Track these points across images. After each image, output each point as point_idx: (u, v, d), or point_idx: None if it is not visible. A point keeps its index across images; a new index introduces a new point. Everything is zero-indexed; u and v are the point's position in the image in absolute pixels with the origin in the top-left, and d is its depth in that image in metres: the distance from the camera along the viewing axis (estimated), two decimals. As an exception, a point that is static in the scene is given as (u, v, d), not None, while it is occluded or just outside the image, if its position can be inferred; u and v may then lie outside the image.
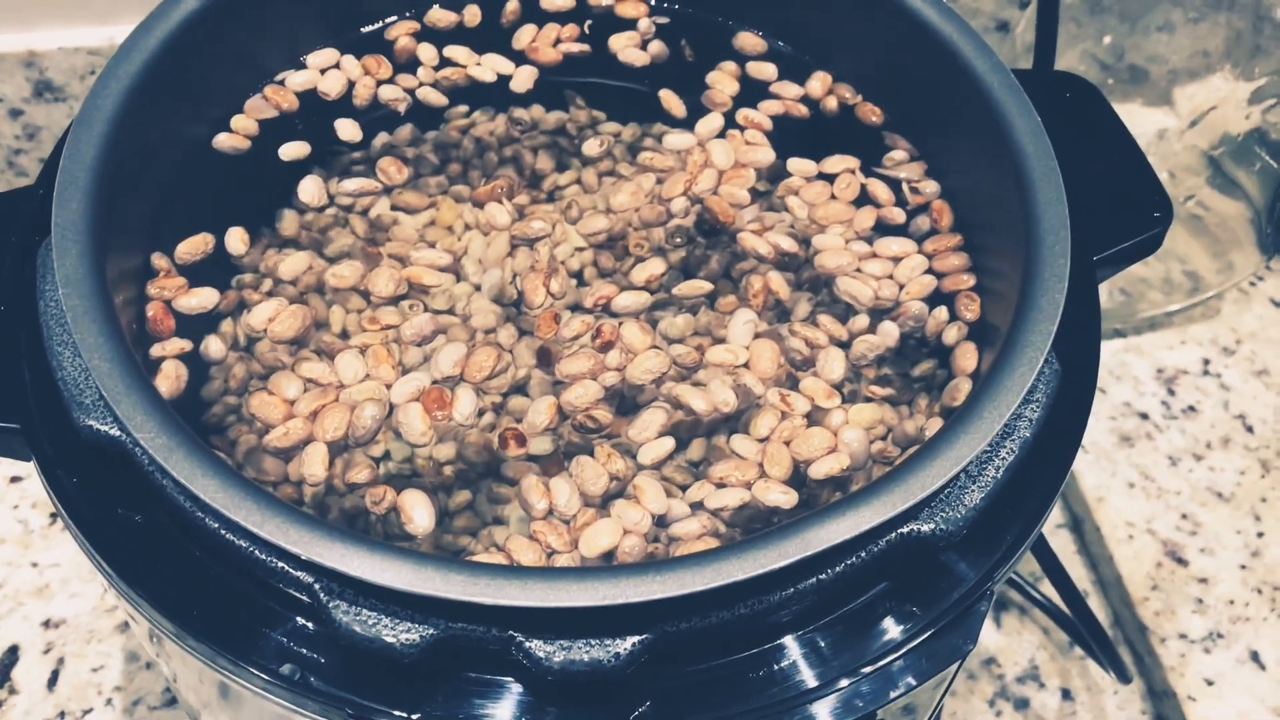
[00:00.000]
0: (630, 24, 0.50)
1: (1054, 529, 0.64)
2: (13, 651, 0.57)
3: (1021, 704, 0.58)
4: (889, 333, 0.40)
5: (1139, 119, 0.68)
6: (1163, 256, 0.70)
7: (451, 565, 0.29)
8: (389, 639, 0.30)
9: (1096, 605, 0.61)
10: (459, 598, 0.28)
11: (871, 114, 0.47)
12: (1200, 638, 0.58)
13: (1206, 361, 0.68)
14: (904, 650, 0.33)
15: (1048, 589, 0.57)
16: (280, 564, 0.31)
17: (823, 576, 0.32)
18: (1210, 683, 0.57)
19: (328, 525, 0.30)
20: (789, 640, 0.33)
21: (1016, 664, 0.60)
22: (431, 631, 0.30)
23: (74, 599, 0.59)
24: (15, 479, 0.63)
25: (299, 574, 0.31)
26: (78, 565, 0.60)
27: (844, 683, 0.33)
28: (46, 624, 0.58)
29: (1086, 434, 0.37)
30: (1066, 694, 0.59)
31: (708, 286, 0.42)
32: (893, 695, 0.33)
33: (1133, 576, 0.60)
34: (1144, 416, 0.66)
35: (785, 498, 0.36)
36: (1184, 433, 0.65)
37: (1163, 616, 0.59)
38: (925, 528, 0.33)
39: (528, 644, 0.30)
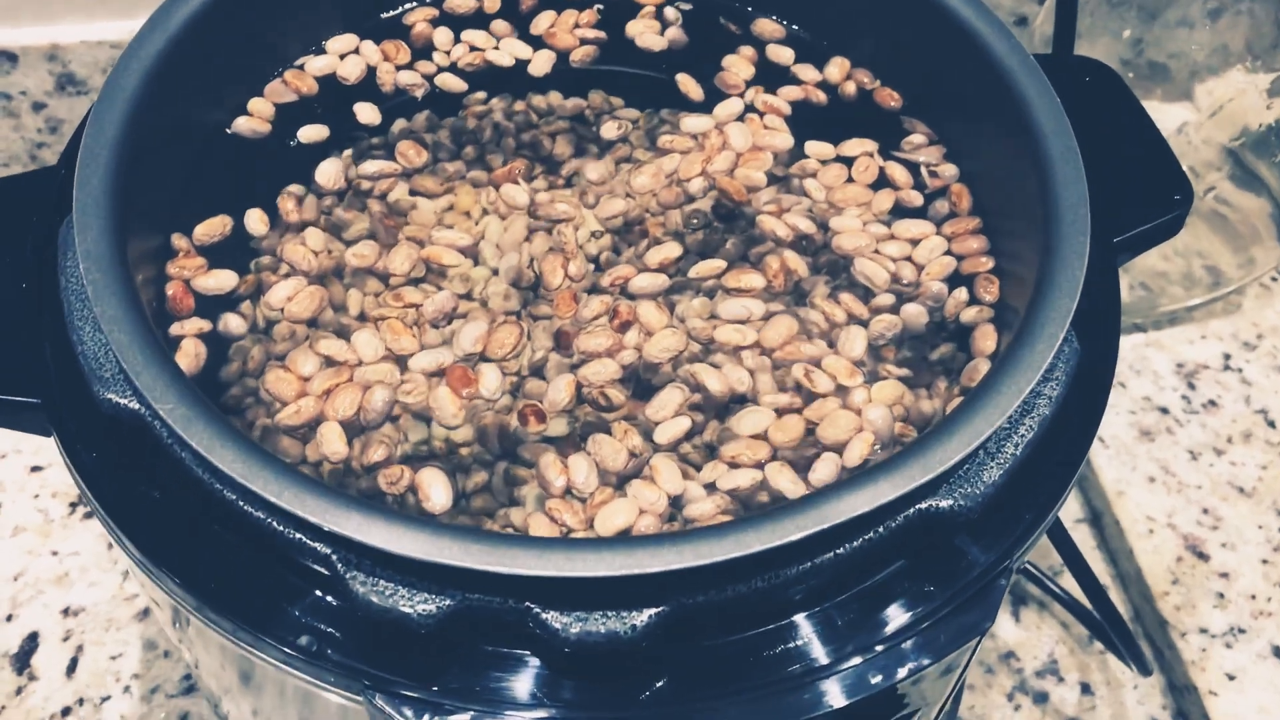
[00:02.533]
0: (646, 10, 0.50)
1: (1073, 523, 0.64)
2: (33, 638, 0.58)
3: (1041, 698, 0.58)
4: (914, 315, 0.40)
5: (1159, 114, 0.67)
6: (1183, 251, 0.70)
7: (469, 535, 0.29)
8: (406, 610, 0.30)
9: (1116, 600, 0.61)
10: (476, 567, 0.28)
11: (890, 98, 0.47)
12: (1221, 632, 0.58)
13: (1227, 356, 0.68)
14: (922, 626, 0.33)
15: (1067, 583, 0.57)
16: (298, 535, 0.31)
17: (840, 551, 0.32)
18: (1232, 677, 0.56)
19: (346, 495, 0.30)
20: (805, 616, 0.33)
21: (1035, 658, 0.59)
22: (448, 602, 0.30)
23: (93, 587, 0.60)
24: (36, 469, 0.64)
25: (316, 545, 0.31)
26: (97, 554, 0.61)
27: (860, 659, 0.33)
28: (66, 612, 0.59)
29: (1106, 428, 0.37)
30: (1086, 688, 0.58)
31: (721, 265, 0.41)
32: (910, 671, 0.33)
33: (1153, 571, 0.60)
34: (1164, 411, 0.66)
35: (794, 487, 0.36)
36: (1204, 427, 0.65)
37: (1183, 611, 0.59)
38: (944, 504, 0.33)
39: (544, 615, 0.30)
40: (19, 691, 0.56)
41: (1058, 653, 0.60)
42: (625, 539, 0.31)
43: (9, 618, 0.58)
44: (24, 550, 0.61)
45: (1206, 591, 0.59)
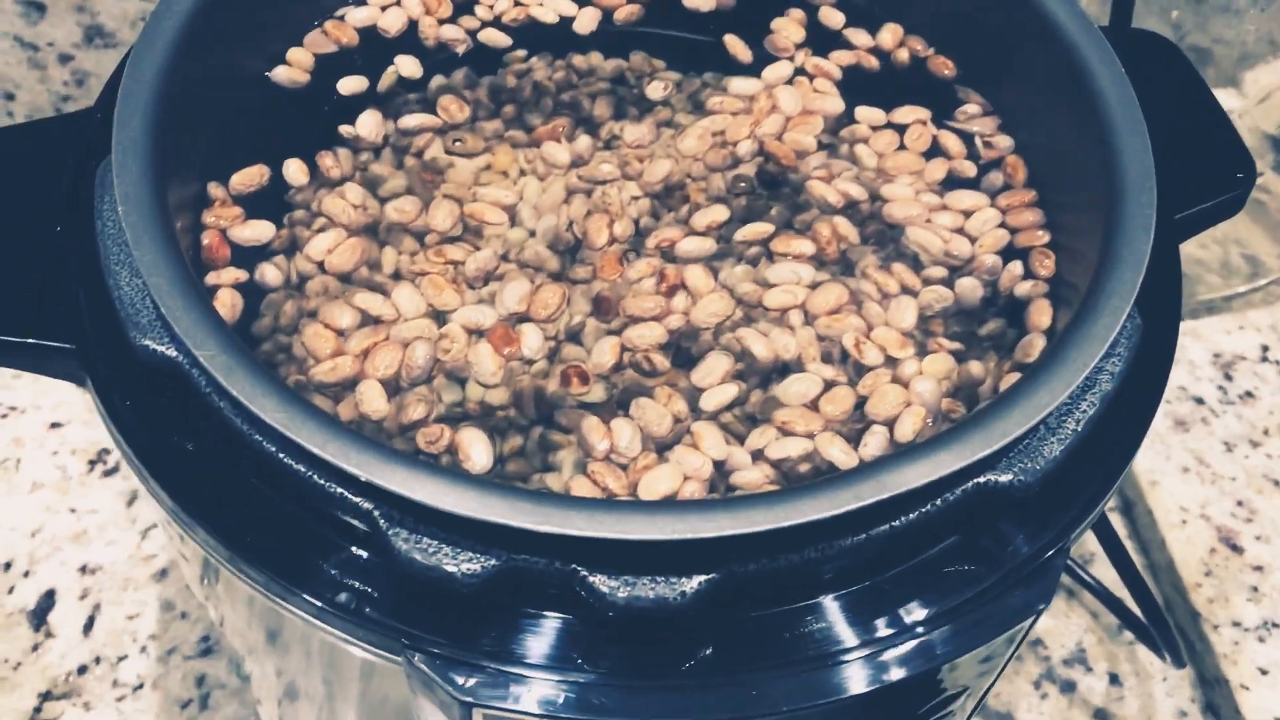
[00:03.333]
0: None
1: (1106, 512, 0.63)
2: (49, 596, 0.57)
3: (1068, 687, 0.57)
4: (968, 289, 0.39)
5: (1203, 98, 0.66)
6: (1222, 240, 0.68)
7: (519, 494, 0.28)
8: (450, 569, 0.29)
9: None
10: (529, 526, 0.27)
11: (944, 67, 0.46)
12: (1255, 626, 0.57)
13: (1265, 348, 0.67)
14: (976, 604, 0.32)
15: (1098, 571, 0.56)
16: (339, 490, 0.30)
17: (895, 523, 0.31)
18: (1265, 672, 0.55)
19: (392, 449, 0.29)
20: (855, 590, 0.32)
21: (1064, 646, 0.59)
22: (494, 562, 0.29)
23: (111, 546, 0.59)
24: (55, 425, 0.63)
25: (359, 500, 0.30)
26: (115, 513, 0.60)
27: (911, 637, 0.32)
28: (83, 569, 0.58)
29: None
30: (1114, 679, 0.58)
31: (769, 228, 0.40)
32: (964, 649, 0.32)
33: (1186, 562, 0.59)
34: (1200, 401, 0.65)
35: (846, 458, 0.35)
36: (1240, 419, 0.64)
37: (1216, 604, 0.58)
38: (1003, 478, 0.32)
39: (591, 579, 0.29)
40: (35, 648, 0.56)
41: (1086, 642, 0.59)
42: (679, 503, 0.30)
43: (26, 574, 0.58)
44: (42, 506, 0.60)
45: (1240, 584, 0.58)
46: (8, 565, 0.58)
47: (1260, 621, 0.57)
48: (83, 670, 0.55)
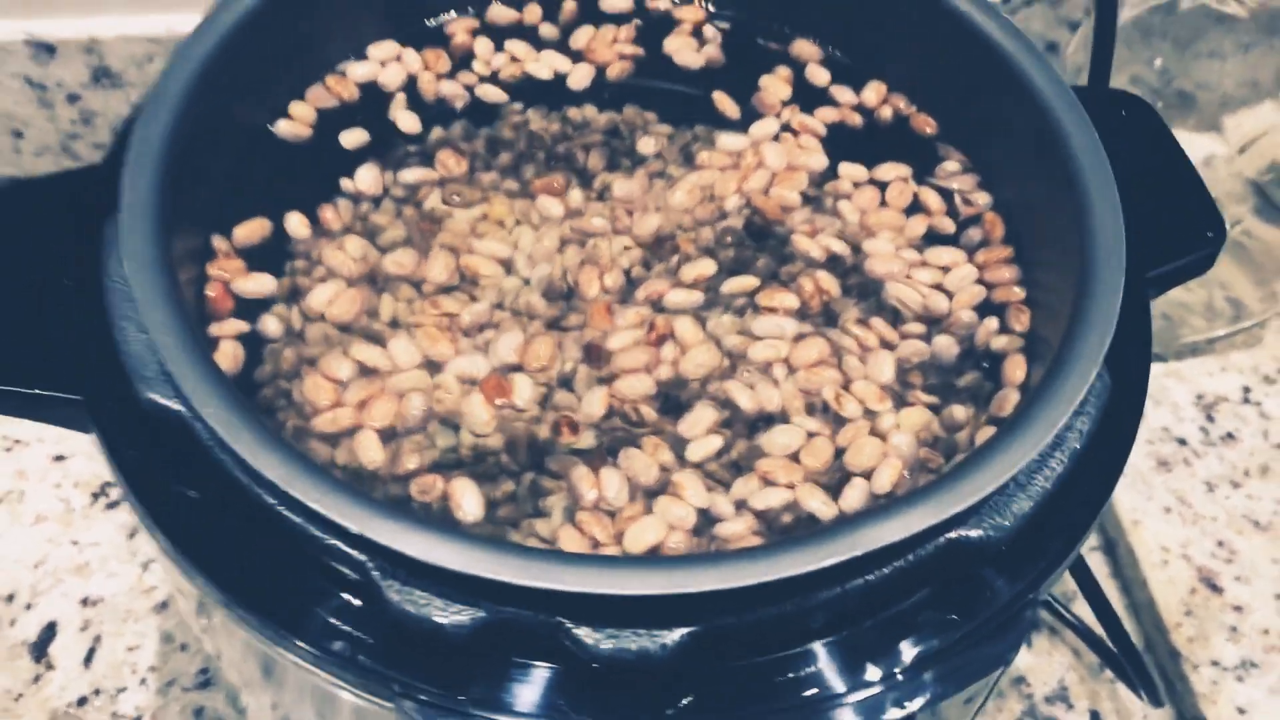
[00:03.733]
0: (684, 27, 0.50)
1: (1088, 551, 0.64)
2: (51, 628, 0.58)
3: (1050, 724, 0.58)
4: (944, 346, 0.41)
5: (1187, 144, 0.68)
6: (1205, 283, 0.70)
7: (507, 549, 0.29)
8: (439, 619, 0.30)
9: (1129, 629, 0.61)
10: (516, 581, 0.28)
11: (926, 125, 0.47)
12: (1233, 665, 0.58)
13: (1247, 389, 0.68)
14: (945, 656, 0.33)
15: (1079, 610, 0.57)
16: (334, 541, 0.32)
17: (870, 578, 0.32)
18: (1243, 711, 0.56)
19: (386, 505, 0.30)
20: (829, 641, 0.33)
21: (1046, 684, 0.60)
22: (481, 614, 0.31)
23: (112, 578, 0.60)
24: (59, 458, 0.64)
25: (353, 552, 0.32)
26: (117, 546, 0.61)
27: (883, 687, 0.33)
28: (85, 601, 0.59)
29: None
30: (1095, 716, 0.59)
31: (754, 282, 0.42)
32: (930, 700, 0.33)
33: (1166, 601, 0.60)
34: (1182, 442, 0.66)
35: (825, 508, 0.36)
36: (1222, 460, 0.65)
37: (1196, 643, 0.59)
38: (973, 534, 0.33)
39: (575, 630, 0.31)
40: (36, 679, 0.57)
41: (1068, 679, 0.60)
42: (663, 558, 0.32)
43: (28, 605, 0.59)
44: (45, 539, 0.61)
45: (1219, 624, 0.59)
46: (10, 597, 0.59)
47: (1239, 661, 0.58)
48: (82, 702, 0.56)
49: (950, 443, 0.39)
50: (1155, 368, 0.68)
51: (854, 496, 0.37)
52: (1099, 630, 0.55)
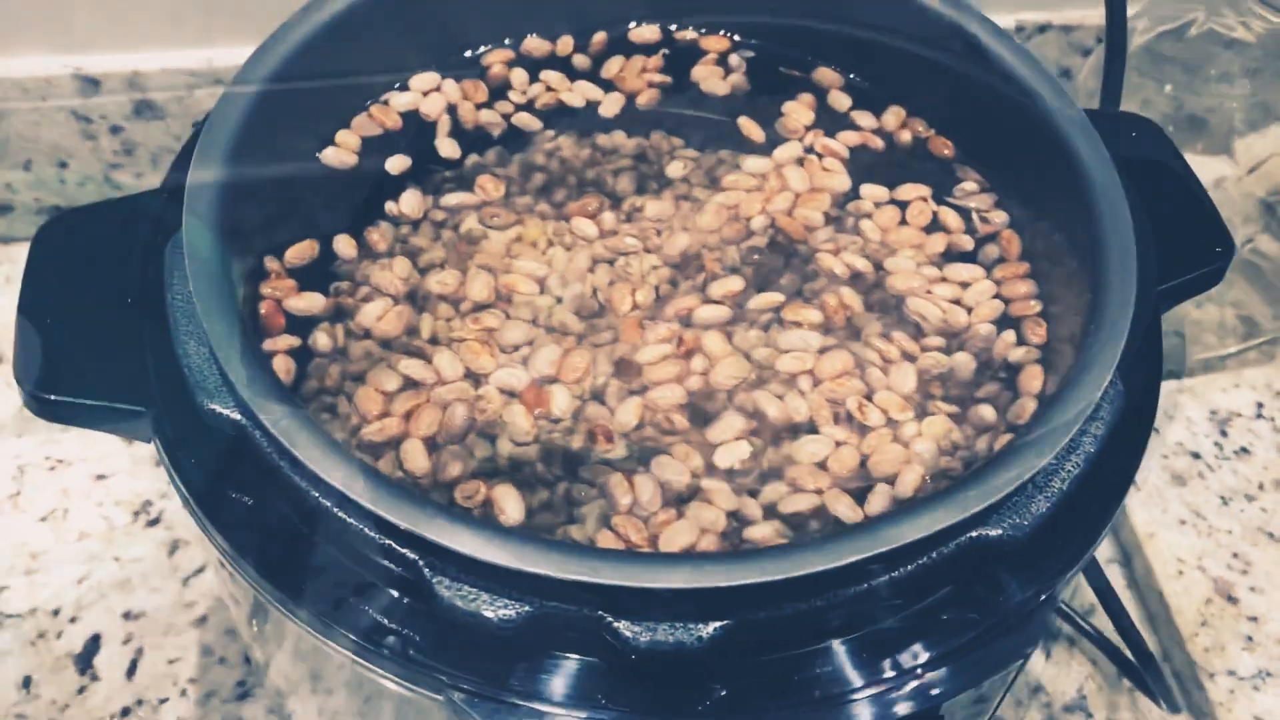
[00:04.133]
0: (710, 56, 0.53)
1: (1105, 563, 0.65)
2: (95, 640, 0.60)
3: (1070, 733, 0.59)
4: (963, 361, 0.42)
5: (1198, 166, 0.69)
6: (1218, 301, 0.71)
7: (556, 546, 0.31)
8: (488, 615, 0.32)
9: (1146, 639, 0.62)
10: (563, 576, 0.30)
11: (943, 147, 0.49)
12: (1250, 675, 0.59)
13: (1260, 405, 0.69)
14: (966, 650, 0.35)
15: (1098, 621, 0.58)
16: (388, 541, 0.33)
17: (895, 575, 0.34)
18: (1259, 719, 0.57)
19: (439, 506, 0.32)
20: (855, 636, 0.35)
21: (1064, 693, 0.61)
22: (527, 609, 0.32)
23: (154, 593, 0.62)
24: (100, 477, 0.66)
25: (405, 551, 0.33)
26: (158, 561, 0.63)
27: (906, 680, 0.35)
28: (127, 615, 0.61)
29: (1139, 472, 0.39)
30: (1114, 725, 0.60)
31: (780, 298, 0.44)
32: (950, 693, 0.35)
33: (1183, 612, 0.61)
34: (1196, 456, 0.67)
35: (851, 514, 0.38)
36: (1236, 474, 0.66)
37: (1212, 653, 0.60)
38: (993, 532, 0.35)
39: (616, 624, 0.32)
40: (81, 691, 0.58)
41: (1087, 689, 0.61)
42: (699, 554, 0.33)
43: (73, 619, 0.61)
44: (88, 555, 0.63)
45: (1235, 634, 0.60)
46: (56, 611, 0.61)
47: (1255, 671, 0.59)
48: (126, 713, 0.58)
49: (970, 451, 0.40)
50: (1169, 384, 0.70)
51: (878, 502, 0.38)
52: (1117, 641, 0.56)
